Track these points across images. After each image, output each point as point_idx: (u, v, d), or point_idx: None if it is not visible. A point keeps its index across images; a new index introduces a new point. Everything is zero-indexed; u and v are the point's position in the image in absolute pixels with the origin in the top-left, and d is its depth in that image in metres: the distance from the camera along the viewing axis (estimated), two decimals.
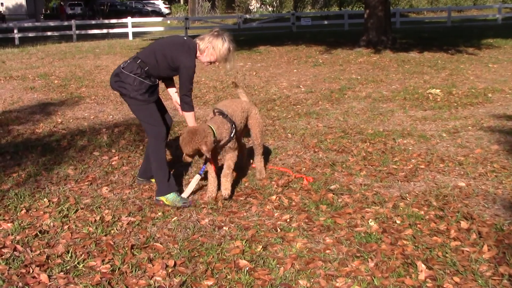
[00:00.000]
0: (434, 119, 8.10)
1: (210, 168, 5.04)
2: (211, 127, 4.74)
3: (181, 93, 4.78)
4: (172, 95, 5.33)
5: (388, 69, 13.86)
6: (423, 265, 3.67)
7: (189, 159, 4.81)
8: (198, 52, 4.89)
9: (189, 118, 4.88)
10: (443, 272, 3.61)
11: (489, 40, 19.36)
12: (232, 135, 4.89)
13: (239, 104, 5.26)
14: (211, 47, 4.85)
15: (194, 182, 5.11)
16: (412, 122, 7.93)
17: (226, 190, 4.86)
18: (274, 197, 5.05)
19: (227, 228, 4.39)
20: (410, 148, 6.55)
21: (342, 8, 41.71)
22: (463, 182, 5.33)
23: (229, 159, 4.96)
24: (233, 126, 4.93)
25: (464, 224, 4.32)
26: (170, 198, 4.87)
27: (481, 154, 6.23)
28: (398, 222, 4.43)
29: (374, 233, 4.21)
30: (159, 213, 4.71)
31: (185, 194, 5.01)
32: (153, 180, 5.33)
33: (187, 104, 4.81)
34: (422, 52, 16.89)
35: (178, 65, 4.74)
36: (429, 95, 9.93)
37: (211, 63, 4.98)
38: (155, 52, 4.84)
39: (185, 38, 5.01)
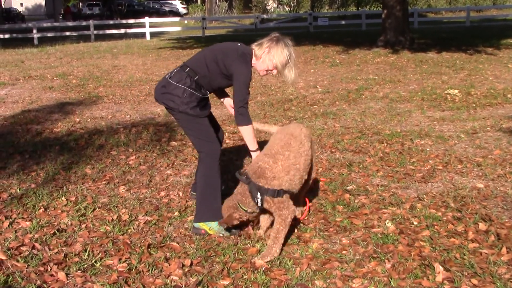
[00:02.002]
0: (452, 119, 8.04)
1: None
2: (238, 204, 3.98)
3: (236, 104, 4.14)
4: (227, 105, 4.72)
5: (406, 69, 13.77)
6: (440, 267, 3.64)
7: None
8: (254, 58, 4.31)
9: (246, 132, 4.18)
10: (461, 274, 3.58)
11: (509, 40, 19.15)
12: (260, 205, 3.93)
13: (299, 141, 4.10)
14: (269, 52, 4.24)
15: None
16: (429, 123, 7.87)
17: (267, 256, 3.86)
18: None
19: (244, 228, 4.39)
20: (427, 149, 6.50)
21: (359, 8, 41.55)
22: (482, 184, 5.28)
23: (276, 221, 3.92)
24: (260, 193, 3.87)
25: (482, 226, 4.28)
26: (214, 227, 4.26)
27: (500, 155, 6.17)
28: (415, 223, 4.40)
29: (391, 234, 4.19)
30: (176, 213, 4.72)
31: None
32: None
33: (243, 116, 4.13)
34: (440, 52, 16.76)
35: (232, 73, 4.18)
36: (447, 95, 9.85)
37: (268, 72, 4.36)
38: (206, 59, 4.30)
39: (239, 44, 4.41)
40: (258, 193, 3.87)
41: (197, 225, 4.31)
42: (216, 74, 4.28)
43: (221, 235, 4.24)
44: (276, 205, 3.87)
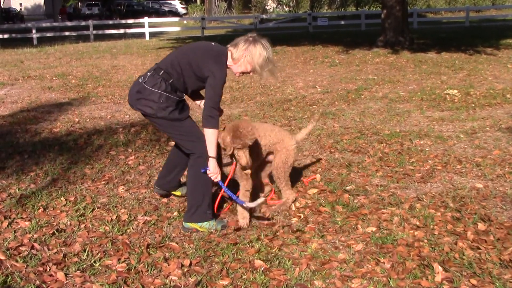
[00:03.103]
0: (451, 120, 8.04)
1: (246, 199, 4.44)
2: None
3: (207, 106, 4.06)
4: (201, 106, 4.46)
5: (405, 69, 13.77)
6: (439, 267, 3.64)
7: (246, 158, 4.20)
8: (230, 60, 4.20)
9: (211, 136, 4.09)
10: (460, 274, 3.58)
11: (508, 41, 19.15)
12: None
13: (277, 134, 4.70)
14: (248, 55, 4.13)
15: (253, 205, 4.37)
16: (429, 123, 7.88)
17: (244, 219, 4.42)
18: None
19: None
20: (427, 149, 6.50)
21: (359, 8, 41.57)
22: (481, 184, 5.28)
23: (243, 187, 4.47)
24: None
25: (481, 226, 4.28)
26: (206, 226, 4.31)
27: (499, 155, 6.17)
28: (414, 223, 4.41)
29: (390, 234, 4.19)
30: (175, 213, 4.72)
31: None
32: (176, 193, 4.89)
33: (213, 119, 4.05)
34: (440, 52, 16.77)
35: (206, 75, 4.06)
36: (447, 95, 9.85)
37: (244, 73, 4.29)
38: (179, 60, 4.16)
39: (213, 44, 4.30)
40: None
41: (187, 225, 4.34)
42: (190, 76, 4.16)
43: (212, 230, 4.29)
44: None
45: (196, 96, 4.53)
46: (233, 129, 4.14)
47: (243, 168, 4.31)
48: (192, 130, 4.26)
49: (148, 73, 4.23)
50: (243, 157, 4.18)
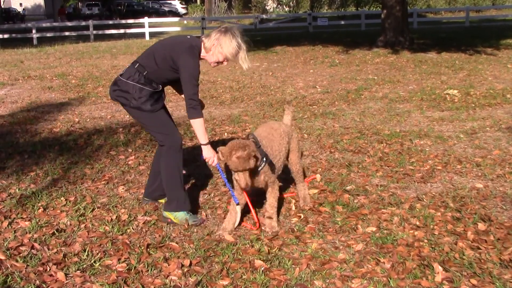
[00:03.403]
0: (451, 120, 8.04)
1: (242, 199, 4.35)
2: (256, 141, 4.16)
3: (186, 97, 4.20)
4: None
5: (405, 69, 13.77)
6: (439, 267, 3.64)
7: (246, 180, 4.04)
8: (203, 50, 4.34)
9: (198, 125, 4.25)
10: (460, 274, 3.58)
11: (508, 41, 19.16)
12: (259, 169, 4.17)
13: (278, 131, 4.54)
14: (218, 44, 4.27)
15: (239, 213, 4.34)
16: (429, 123, 7.88)
17: (273, 228, 4.31)
18: (290, 197, 5.04)
19: (243, 228, 4.39)
20: (427, 149, 6.50)
21: (359, 8, 41.57)
22: (481, 184, 5.28)
23: (270, 196, 4.33)
24: (264, 159, 4.20)
25: (481, 226, 4.28)
26: (179, 216, 4.46)
27: (499, 155, 6.17)
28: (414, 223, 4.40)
29: (390, 234, 4.19)
30: None
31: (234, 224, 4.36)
32: (161, 201, 4.85)
33: (194, 109, 4.20)
34: (440, 52, 16.77)
35: (179, 66, 4.22)
36: (447, 95, 9.85)
37: (218, 63, 4.41)
38: (154, 53, 4.36)
39: (188, 36, 4.49)
40: (265, 159, 4.19)
41: (165, 214, 4.51)
42: (165, 68, 4.33)
43: (184, 223, 4.42)
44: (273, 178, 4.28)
45: (179, 89, 4.60)
46: (230, 153, 3.98)
47: (243, 189, 4.20)
48: (164, 122, 4.45)
49: (127, 67, 4.49)
50: (242, 179, 4.05)
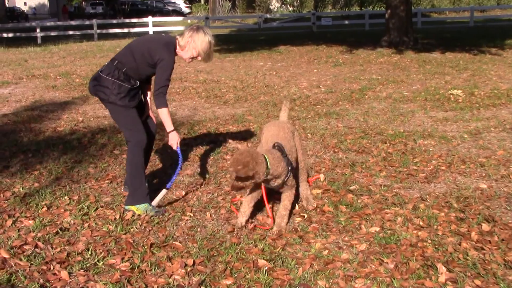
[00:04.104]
0: (455, 120, 8.02)
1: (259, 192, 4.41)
2: (265, 157, 4.08)
3: (156, 87, 4.49)
4: (147, 100, 5.03)
5: (409, 69, 13.75)
6: (443, 267, 3.63)
7: (239, 187, 4.08)
8: (178, 48, 4.70)
9: (163, 114, 4.55)
10: (464, 274, 3.58)
11: None
12: (286, 178, 4.23)
13: (288, 132, 4.63)
14: (192, 41, 4.63)
15: (161, 195, 4.76)
16: (433, 123, 7.86)
17: (281, 228, 4.32)
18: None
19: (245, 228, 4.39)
20: (430, 149, 6.49)
21: (363, 8, 41.50)
22: (485, 184, 5.27)
23: (286, 198, 4.39)
24: (290, 168, 4.27)
25: (485, 227, 4.27)
26: (141, 207, 4.63)
27: (504, 155, 6.16)
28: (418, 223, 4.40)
29: (393, 234, 4.18)
30: (178, 212, 4.72)
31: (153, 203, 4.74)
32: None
33: (161, 99, 4.51)
34: (444, 52, 16.74)
35: (156, 61, 4.52)
36: (451, 96, 9.83)
37: (192, 59, 4.77)
38: (133, 51, 4.64)
39: (164, 35, 4.90)
40: (290, 167, 4.27)
41: (127, 207, 4.71)
42: (143, 64, 4.61)
43: (147, 213, 4.61)
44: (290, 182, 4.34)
45: (145, 87, 4.97)
46: (232, 161, 3.99)
47: (229, 191, 4.30)
48: (133, 120, 4.68)
49: (106, 64, 4.73)
50: (233, 183, 4.06)
